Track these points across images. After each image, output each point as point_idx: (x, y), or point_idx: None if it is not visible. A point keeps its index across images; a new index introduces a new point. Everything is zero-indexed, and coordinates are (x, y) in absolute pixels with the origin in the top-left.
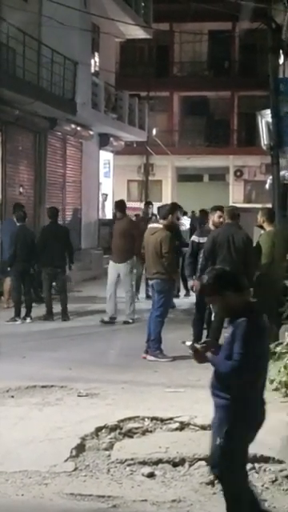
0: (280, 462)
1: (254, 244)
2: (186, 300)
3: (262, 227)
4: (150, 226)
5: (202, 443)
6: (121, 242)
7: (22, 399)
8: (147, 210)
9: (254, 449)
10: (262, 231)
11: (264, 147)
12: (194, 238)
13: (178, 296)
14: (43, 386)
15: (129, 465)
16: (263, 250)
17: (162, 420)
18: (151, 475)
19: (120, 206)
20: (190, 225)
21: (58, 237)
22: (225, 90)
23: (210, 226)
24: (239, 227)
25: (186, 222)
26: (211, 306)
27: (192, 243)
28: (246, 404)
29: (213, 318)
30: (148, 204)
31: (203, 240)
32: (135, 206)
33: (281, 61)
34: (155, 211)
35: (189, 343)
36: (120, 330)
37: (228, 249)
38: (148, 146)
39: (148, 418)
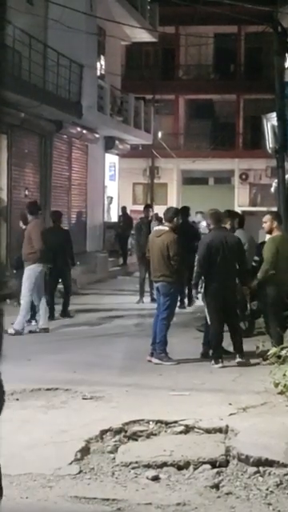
0: (285, 465)
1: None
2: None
3: (270, 232)
4: (156, 228)
5: (206, 446)
6: (26, 246)
7: (27, 402)
8: (147, 214)
9: (258, 452)
10: (268, 236)
11: (269, 150)
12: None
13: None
14: (48, 389)
15: (133, 468)
16: (266, 256)
17: (166, 423)
18: (156, 478)
19: (30, 207)
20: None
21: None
22: (230, 93)
23: None
24: (225, 229)
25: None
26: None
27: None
28: None
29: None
30: (148, 207)
31: None
32: (140, 209)
33: (287, 64)
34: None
35: None
36: (124, 333)
37: (223, 252)
38: (153, 148)
39: (153, 421)
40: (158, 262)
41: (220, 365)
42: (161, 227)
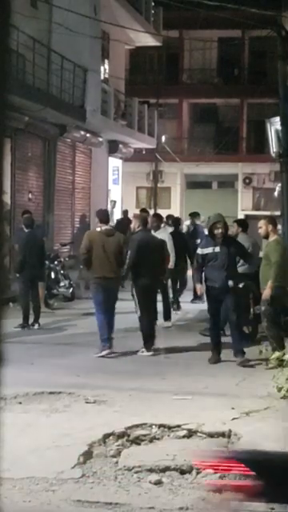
0: None
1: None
2: (194, 306)
3: (267, 237)
4: (107, 227)
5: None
6: None
7: (30, 406)
8: None
9: None
10: (269, 240)
11: (273, 155)
12: (198, 250)
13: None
14: (51, 393)
15: (136, 472)
16: (275, 259)
17: (169, 427)
18: (158, 482)
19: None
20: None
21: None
22: (234, 98)
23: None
24: (149, 231)
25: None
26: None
27: (196, 256)
28: None
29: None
30: (143, 211)
31: (206, 251)
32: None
33: None
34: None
35: None
36: (127, 337)
37: (149, 251)
38: (157, 152)
39: (155, 425)
40: (114, 260)
41: (151, 353)
42: (109, 227)
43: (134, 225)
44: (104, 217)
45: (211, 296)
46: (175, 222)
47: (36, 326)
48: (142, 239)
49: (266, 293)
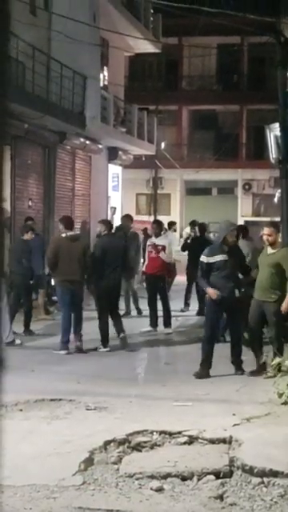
0: None
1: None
2: (194, 312)
3: (274, 244)
4: (71, 233)
5: (210, 457)
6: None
7: (31, 413)
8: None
9: (262, 463)
10: (270, 248)
11: (272, 161)
12: (203, 258)
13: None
14: (52, 400)
15: (137, 479)
16: None
17: (170, 434)
18: (160, 489)
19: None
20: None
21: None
22: (233, 104)
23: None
24: (114, 235)
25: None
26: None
27: (201, 264)
28: None
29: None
30: (127, 218)
31: (213, 260)
32: (143, 219)
33: None
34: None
35: None
36: (128, 343)
37: (114, 254)
38: (157, 159)
39: (156, 431)
40: (78, 264)
41: (108, 349)
42: (73, 233)
43: (101, 229)
44: (68, 223)
45: (216, 306)
46: (201, 228)
47: (14, 328)
48: (105, 243)
49: (286, 306)
